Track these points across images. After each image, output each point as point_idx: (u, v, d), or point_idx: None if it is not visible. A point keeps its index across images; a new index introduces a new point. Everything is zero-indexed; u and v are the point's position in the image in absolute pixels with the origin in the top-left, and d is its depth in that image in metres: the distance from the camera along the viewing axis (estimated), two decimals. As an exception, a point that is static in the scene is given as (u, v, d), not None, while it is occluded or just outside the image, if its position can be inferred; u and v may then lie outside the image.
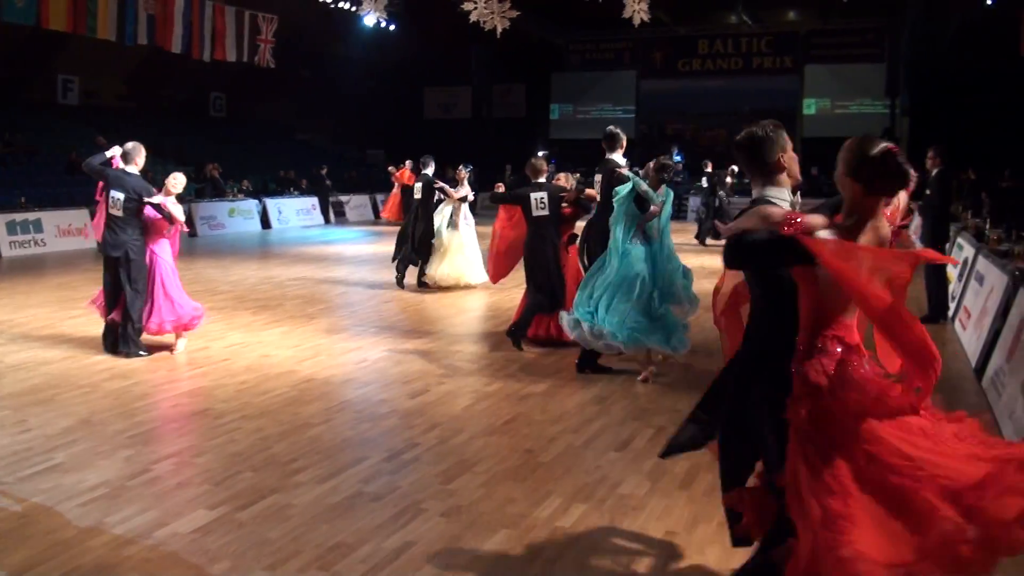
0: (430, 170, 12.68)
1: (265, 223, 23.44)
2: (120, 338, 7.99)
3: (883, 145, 3.04)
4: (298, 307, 10.87)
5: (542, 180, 8.61)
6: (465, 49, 29.59)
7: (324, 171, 25.79)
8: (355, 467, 5.23)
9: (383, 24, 27.44)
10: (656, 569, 3.97)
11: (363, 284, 13.09)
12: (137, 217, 7.90)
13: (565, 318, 7.45)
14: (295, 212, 24.59)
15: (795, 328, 3.16)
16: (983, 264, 9.30)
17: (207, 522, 4.41)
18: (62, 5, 16.32)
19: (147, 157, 8.24)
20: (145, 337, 8.12)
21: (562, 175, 9.11)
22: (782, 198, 3.34)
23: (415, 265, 12.61)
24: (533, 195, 8.50)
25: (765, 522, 3.38)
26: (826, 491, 2.85)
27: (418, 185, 12.64)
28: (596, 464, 5.35)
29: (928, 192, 9.58)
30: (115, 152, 8.10)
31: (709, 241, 18.64)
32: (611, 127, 8.19)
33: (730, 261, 3.12)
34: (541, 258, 8.46)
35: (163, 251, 8.11)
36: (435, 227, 12.57)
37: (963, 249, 11.00)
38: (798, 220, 3.00)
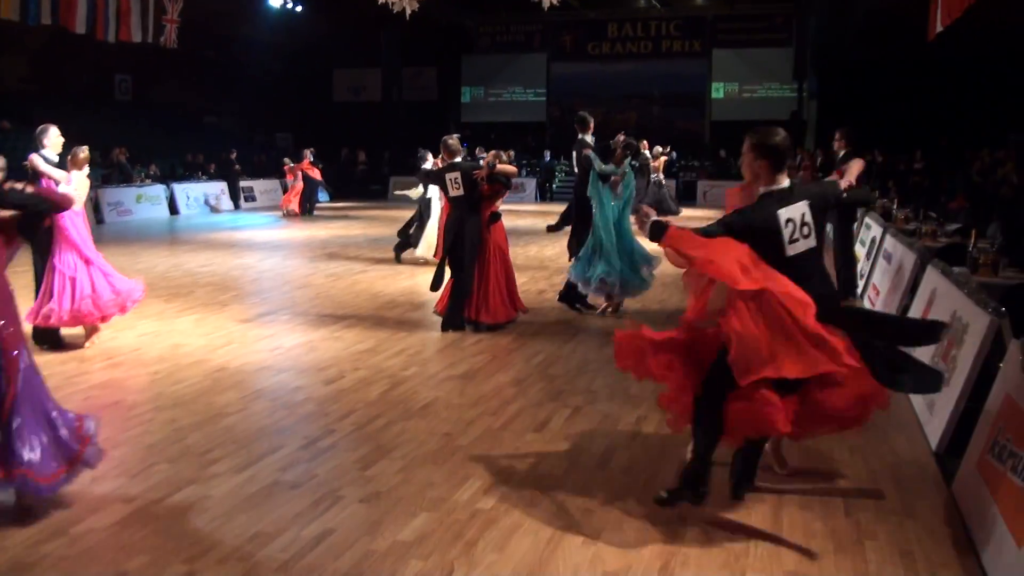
0: (428, 164, 12.78)
1: (173, 209, 22.94)
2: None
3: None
4: (210, 294, 10.68)
5: (458, 160, 8.64)
6: (374, 31, 29.23)
7: (233, 155, 25.36)
8: (272, 456, 5.19)
9: (289, 5, 27.08)
10: (575, 546, 4.05)
11: (275, 270, 12.93)
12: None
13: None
14: (203, 197, 24.10)
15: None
16: (891, 243, 9.64)
17: (124, 516, 4.33)
18: (-39, -15, 15.58)
19: None
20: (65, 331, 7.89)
21: (493, 152, 9.29)
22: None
23: (413, 247, 13.23)
24: (448, 175, 8.53)
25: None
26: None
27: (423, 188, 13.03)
28: (515, 445, 5.42)
29: (836, 172, 9.87)
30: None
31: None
32: (581, 112, 9.66)
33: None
34: (459, 237, 8.51)
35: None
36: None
37: (871, 228, 11.38)
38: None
